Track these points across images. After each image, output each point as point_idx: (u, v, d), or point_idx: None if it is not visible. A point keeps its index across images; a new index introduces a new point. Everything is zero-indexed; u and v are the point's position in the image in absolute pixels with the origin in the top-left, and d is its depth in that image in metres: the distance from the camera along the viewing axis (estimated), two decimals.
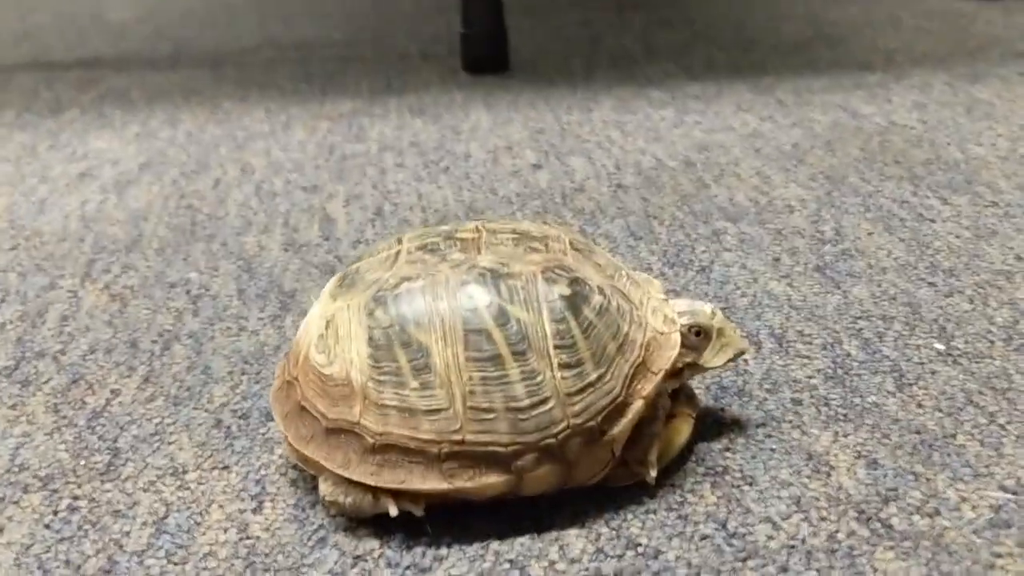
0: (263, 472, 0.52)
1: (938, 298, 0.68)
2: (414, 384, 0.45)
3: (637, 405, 0.47)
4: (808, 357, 0.61)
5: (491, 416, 0.45)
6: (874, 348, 0.62)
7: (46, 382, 0.60)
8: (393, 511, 0.46)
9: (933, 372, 0.59)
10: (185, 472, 0.52)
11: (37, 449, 0.54)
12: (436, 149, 0.98)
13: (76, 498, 0.50)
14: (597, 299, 0.47)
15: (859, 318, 0.65)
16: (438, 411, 0.45)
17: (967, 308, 0.66)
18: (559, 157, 0.95)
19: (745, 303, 0.68)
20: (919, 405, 0.56)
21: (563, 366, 0.46)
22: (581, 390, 0.46)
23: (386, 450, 0.46)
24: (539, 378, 0.45)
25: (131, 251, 0.77)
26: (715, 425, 0.55)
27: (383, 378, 0.46)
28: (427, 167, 0.93)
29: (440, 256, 0.48)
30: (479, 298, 0.46)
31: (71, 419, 0.57)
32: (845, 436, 0.54)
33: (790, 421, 0.55)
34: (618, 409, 0.47)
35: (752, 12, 1.55)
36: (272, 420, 0.56)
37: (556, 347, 0.46)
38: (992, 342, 0.62)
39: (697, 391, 0.55)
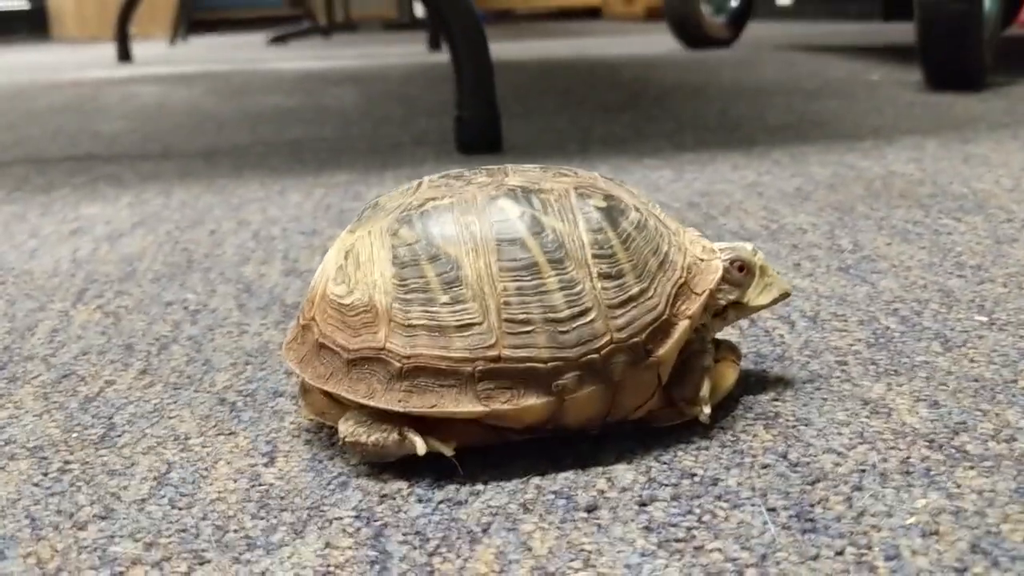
0: (274, 435, 0.47)
1: (970, 286, 0.65)
2: (444, 299, 0.42)
3: (683, 325, 0.43)
4: (846, 330, 0.58)
5: (528, 329, 0.41)
6: (913, 322, 0.59)
7: (35, 377, 0.56)
8: (421, 448, 0.42)
9: (980, 337, 0.56)
10: (188, 439, 0.47)
11: (25, 427, 0.49)
12: None
13: (68, 463, 0.45)
14: (634, 215, 0.44)
15: (892, 302, 0.63)
16: (471, 326, 0.42)
17: (1002, 291, 0.64)
18: None
19: None
20: (971, 360, 0.53)
21: (603, 276, 0.42)
22: (623, 303, 0.42)
23: (415, 374, 0.42)
24: (578, 288, 0.42)
25: (125, 281, 0.74)
26: (759, 382, 0.51)
27: (410, 296, 0.42)
28: None
29: (466, 180, 0.45)
30: (511, 210, 0.43)
31: (62, 404, 0.52)
32: (899, 386, 0.50)
33: (838, 377, 0.52)
34: (663, 328, 0.43)
35: (735, 105, 1.58)
36: (282, 396, 0.52)
37: (595, 256, 0.43)
38: None
39: None
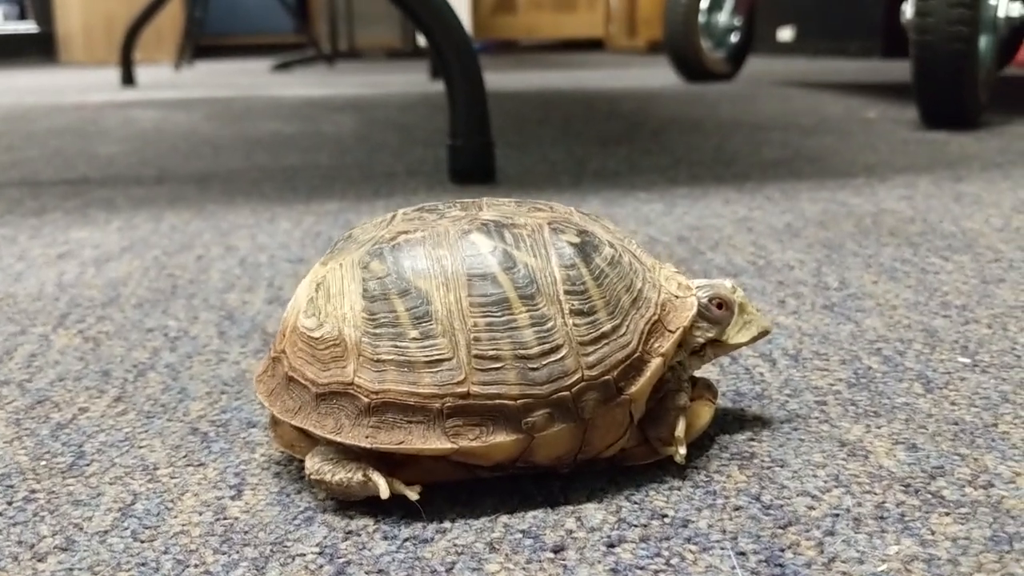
0: (243, 467, 0.47)
1: (955, 326, 0.65)
2: (414, 334, 0.41)
3: (655, 363, 0.43)
4: (827, 370, 0.58)
5: (498, 365, 0.41)
6: (896, 362, 0.59)
7: (9, 403, 0.56)
8: (384, 491, 0.41)
9: (962, 379, 0.56)
10: (156, 469, 0.47)
11: None
12: None
13: (33, 491, 0.45)
14: (608, 251, 0.44)
15: (875, 341, 0.62)
16: (440, 361, 0.41)
17: (986, 332, 0.63)
18: None
19: None
20: (952, 403, 0.52)
21: (575, 313, 0.42)
22: (595, 340, 0.42)
23: (383, 410, 0.41)
24: (549, 324, 0.42)
25: (108, 306, 0.73)
26: (736, 421, 0.51)
27: (379, 331, 0.42)
28: None
29: (439, 214, 0.45)
30: (483, 245, 0.43)
31: (33, 430, 0.52)
32: (878, 428, 0.50)
33: (816, 417, 0.51)
34: (635, 365, 0.43)
35: (731, 140, 1.58)
36: (255, 427, 0.51)
37: (567, 293, 0.42)
38: (1020, 356, 0.59)
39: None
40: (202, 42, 4.83)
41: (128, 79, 3.18)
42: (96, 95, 2.86)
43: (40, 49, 5.50)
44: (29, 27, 5.57)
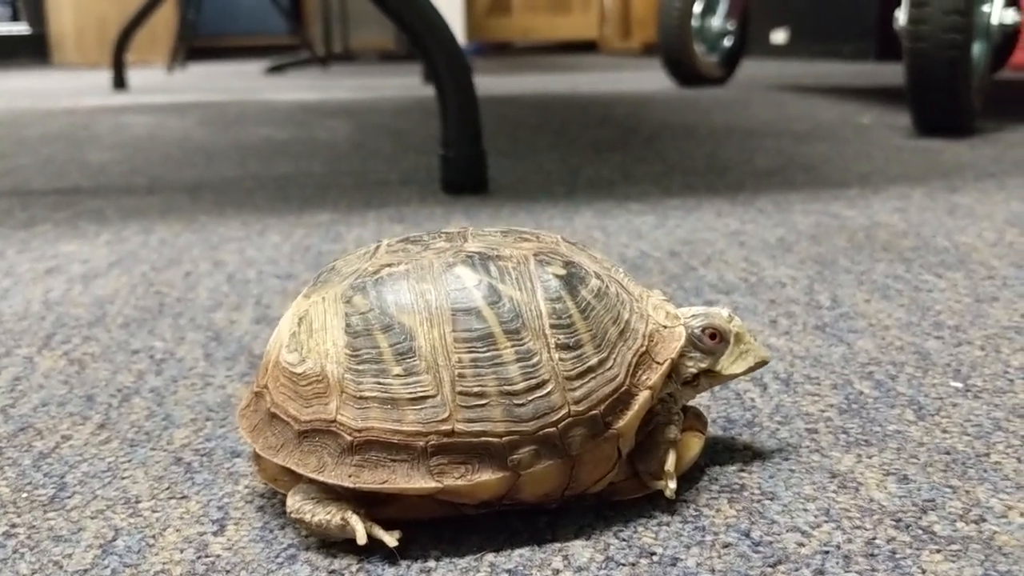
0: (226, 500, 0.46)
1: (947, 347, 0.64)
2: (397, 370, 0.41)
3: (643, 396, 0.42)
4: (818, 395, 0.57)
5: (483, 402, 0.40)
6: (888, 387, 0.58)
7: None
8: (361, 537, 0.40)
9: (954, 404, 0.55)
10: (138, 502, 0.46)
11: None
12: None
13: (14, 526, 0.44)
14: (595, 282, 0.44)
15: (867, 364, 0.62)
16: (424, 399, 0.40)
17: (979, 354, 0.63)
18: None
19: None
20: (944, 431, 0.52)
21: (561, 347, 0.41)
22: (581, 374, 0.41)
23: (367, 448, 0.41)
24: (535, 359, 0.41)
25: (94, 326, 0.73)
26: (726, 451, 0.50)
27: (362, 367, 0.41)
28: None
29: (423, 246, 0.45)
30: (467, 278, 0.42)
31: (15, 460, 0.51)
32: (869, 457, 0.49)
33: (807, 446, 0.50)
34: (622, 399, 0.42)
35: (724, 147, 1.58)
36: (239, 456, 0.51)
37: (553, 327, 0.42)
38: (1012, 380, 0.59)
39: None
40: (195, 43, 4.81)
41: (120, 83, 3.17)
42: (88, 99, 2.84)
43: (32, 50, 5.48)
44: (21, 28, 5.56)
